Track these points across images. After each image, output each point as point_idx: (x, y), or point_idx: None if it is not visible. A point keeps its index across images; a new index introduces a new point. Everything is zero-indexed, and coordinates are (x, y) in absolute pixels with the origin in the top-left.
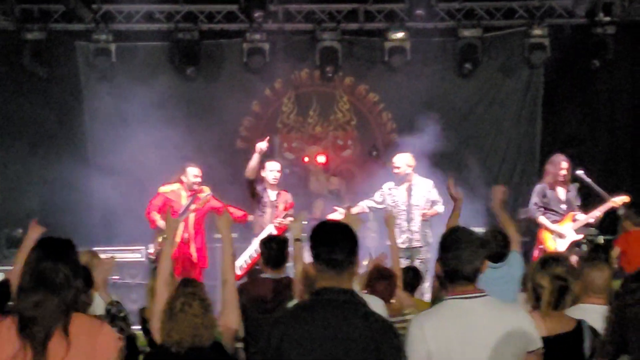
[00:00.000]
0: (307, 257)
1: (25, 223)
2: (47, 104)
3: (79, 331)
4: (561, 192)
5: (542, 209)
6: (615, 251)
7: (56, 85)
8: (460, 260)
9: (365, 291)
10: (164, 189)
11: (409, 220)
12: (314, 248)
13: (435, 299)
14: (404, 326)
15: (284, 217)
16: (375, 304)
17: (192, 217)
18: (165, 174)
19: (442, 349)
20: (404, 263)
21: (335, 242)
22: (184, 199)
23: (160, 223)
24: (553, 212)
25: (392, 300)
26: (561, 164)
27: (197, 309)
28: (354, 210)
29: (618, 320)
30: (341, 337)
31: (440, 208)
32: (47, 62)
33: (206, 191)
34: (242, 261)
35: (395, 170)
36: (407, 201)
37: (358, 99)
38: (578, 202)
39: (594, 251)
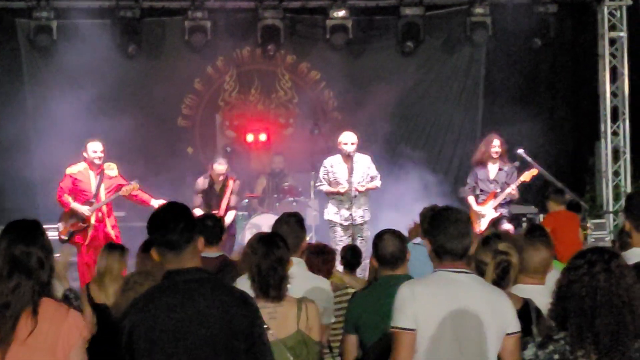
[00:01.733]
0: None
1: None
2: None
3: (44, 315)
4: (493, 170)
5: (474, 189)
6: None
7: None
8: (449, 237)
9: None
10: (70, 169)
11: (351, 197)
12: (150, 234)
13: (373, 279)
14: (346, 299)
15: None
16: (320, 284)
17: (102, 194)
18: (105, 151)
19: (429, 314)
20: (344, 241)
21: (167, 223)
22: (92, 177)
23: (74, 205)
24: (483, 192)
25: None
26: (493, 142)
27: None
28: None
29: (562, 296)
30: (191, 318)
31: (378, 182)
32: None
33: (113, 168)
34: None
35: (344, 147)
36: (349, 179)
37: (300, 77)
38: (512, 181)
39: (533, 230)
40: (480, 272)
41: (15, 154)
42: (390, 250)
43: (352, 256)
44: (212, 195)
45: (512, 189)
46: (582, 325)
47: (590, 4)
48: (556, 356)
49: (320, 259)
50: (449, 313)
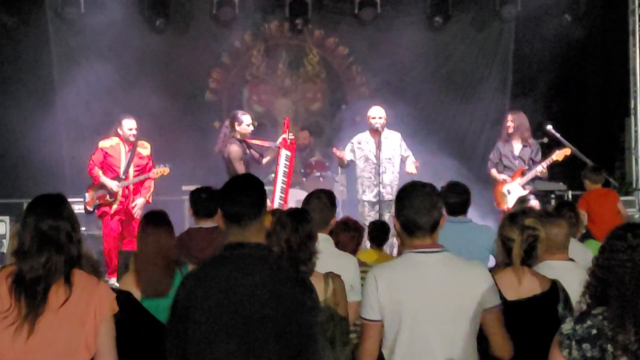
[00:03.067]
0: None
1: None
2: (15, 53)
3: (76, 286)
4: (517, 147)
5: (496, 165)
6: (581, 214)
7: (25, 35)
8: (416, 210)
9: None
10: (103, 143)
11: (380, 173)
12: (220, 203)
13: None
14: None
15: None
16: (347, 261)
17: (131, 172)
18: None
19: (392, 303)
20: (372, 217)
21: (237, 195)
22: (123, 153)
23: (103, 179)
24: (507, 168)
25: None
26: (507, 118)
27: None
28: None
29: (601, 277)
30: (242, 291)
31: (412, 159)
32: (16, 12)
33: (147, 147)
34: (282, 172)
35: (372, 122)
36: (377, 154)
37: (327, 52)
38: (537, 158)
39: (561, 206)
40: (507, 249)
41: (43, 127)
42: None
43: (379, 232)
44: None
45: (542, 167)
46: (624, 305)
47: None
48: (594, 331)
49: (348, 235)
50: (413, 299)
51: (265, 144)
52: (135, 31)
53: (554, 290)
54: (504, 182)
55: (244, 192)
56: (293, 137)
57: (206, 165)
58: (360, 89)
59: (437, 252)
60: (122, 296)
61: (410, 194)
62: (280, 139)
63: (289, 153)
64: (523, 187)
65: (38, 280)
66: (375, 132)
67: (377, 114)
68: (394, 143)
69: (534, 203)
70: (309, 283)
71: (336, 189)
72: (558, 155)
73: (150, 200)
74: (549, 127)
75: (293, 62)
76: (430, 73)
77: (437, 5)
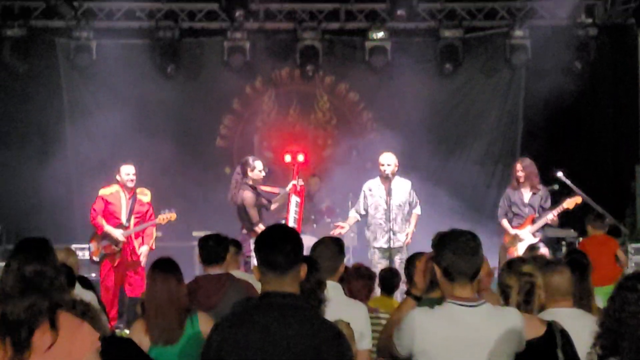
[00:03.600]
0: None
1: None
2: (27, 100)
3: (61, 328)
4: (526, 194)
5: (506, 213)
6: None
7: (36, 81)
8: (458, 255)
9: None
10: (103, 191)
11: (390, 219)
12: (257, 251)
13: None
14: (376, 322)
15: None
16: (357, 309)
17: (132, 219)
18: (143, 172)
19: (426, 352)
20: (383, 264)
21: (275, 244)
22: (124, 201)
23: (107, 228)
24: (517, 215)
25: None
26: (516, 166)
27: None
28: (350, 222)
29: (613, 328)
30: (280, 342)
31: (417, 210)
32: (28, 59)
33: (147, 194)
34: (292, 220)
35: (382, 168)
36: (388, 200)
37: (338, 99)
38: (547, 205)
39: (571, 254)
40: (505, 296)
41: (54, 173)
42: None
43: (390, 279)
44: (261, 206)
45: (553, 215)
46: (638, 358)
47: (630, 26)
48: None
49: (361, 282)
50: (449, 352)
51: (275, 190)
52: (146, 77)
53: (550, 334)
54: (515, 230)
55: (282, 241)
56: (302, 183)
57: (217, 211)
58: (371, 135)
59: (478, 305)
60: (125, 343)
61: (452, 240)
62: (290, 185)
63: (298, 199)
64: (533, 234)
65: (21, 324)
66: (386, 179)
67: (387, 161)
68: (404, 190)
69: (544, 251)
70: (344, 335)
71: (346, 236)
72: (569, 203)
73: (154, 247)
74: (560, 174)
75: (304, 108)
76: (441, 120)
77: (448, 52)
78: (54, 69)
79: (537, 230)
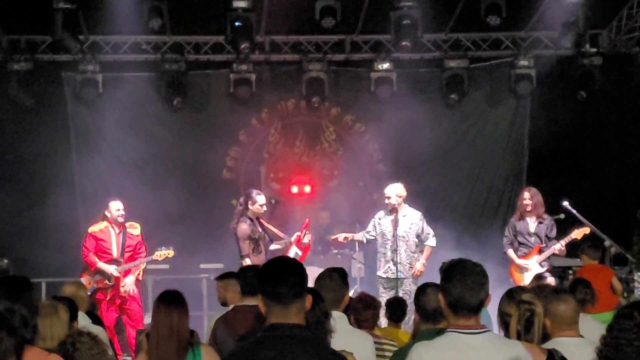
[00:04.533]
0: None
1: (8, 252)
2: (34, 133)
3: None
4: (531, 224)
5: (512, 243)
6: None
7: (43, 115)
8: (465, 289)
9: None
10: (92, 228)
11: (395, 250)
12: (260, 284)
13: (417, 333)
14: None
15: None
16: (363, 339)
17: (125, 255)
18: (151, 205)
19: None
20: (386, 294)
21: (279, 276)
22: (113, 236)
23: (100, 265)
24: (523, 245)
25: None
26: (523, 195)
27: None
28: (356, 236)
29: (610, 356)
30: None
31: (430, 242)
32: (34, 93)
33: (136, 227)
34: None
35: (387, 201)
36: (393, 231)
37: (344, 129)
38: (552, 234)
39: (576, 283)
40: (505, 324)
41: (61, 207)
42: (432, 305)
43: (397, 309)
44: (259, 236)
45: (561, 245)
46: None
47: (635, 55)
48: None
49: (369, 312)
50: None
51: (281, 234)
52: (152, 110)
53: None
54: (521, 260)
55: (286, 273)
56: (308, 240)
57: (224, 243)
58: (377, 166)
59: (481, 332)
60: None
61: (460, 273)
62: (295, 236)
63: (299, 252)
64: (540, 264)
65: None
66: (392, 211)
67: (392, 192)
68: (411, 222)
69: (550, 280)
70: None
71: (354, 266)
72: (577, 234)
73: (140, 278)
74: (566, 203)
75: (310, 139)
76: (447, 150)
77: (453, 83)
78: (61, 102)
79: (544, 260)
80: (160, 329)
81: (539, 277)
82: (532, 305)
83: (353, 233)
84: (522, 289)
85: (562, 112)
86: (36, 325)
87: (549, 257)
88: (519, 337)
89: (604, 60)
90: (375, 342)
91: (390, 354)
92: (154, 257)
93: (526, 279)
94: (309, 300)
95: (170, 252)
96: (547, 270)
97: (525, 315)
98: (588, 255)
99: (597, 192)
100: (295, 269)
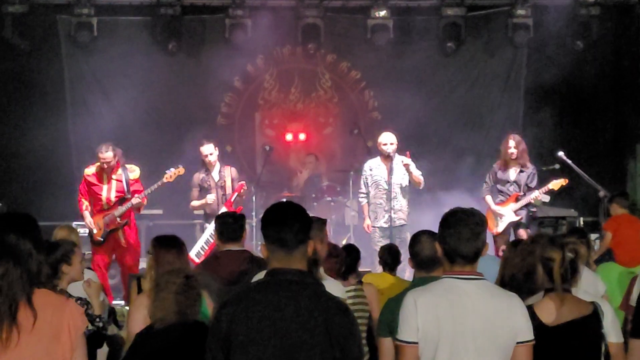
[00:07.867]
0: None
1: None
2: (29, 76)
3: (45, 304)
4: (512, 172)
5: (490, 189)
6: (607, 236)
7: (38, 58)
8: (460, 239)
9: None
10: (87, 171)
11: (392, 198)
12: (264, 229)
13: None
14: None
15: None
16: (335, 286)
17: (112, 198)
18: (145, 149)
19: (431, 326)
20: (383, 242)
21: (283, 221)
22: (105, 180)
23: (85, 214)
24: (501, 192)
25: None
26: (508, 142)
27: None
28: (365, 212)
29: None
30: (291, 318)
31: (421, 178)
32: (29, 35)
33: (134, 170)
34: (199, 248)
35: (383, 147)
36: (389, 179)
37: (340, 77)
38: (533, 184)
39: (572, 233)
40: (549, 269)
41: (56, 150)
42: (426, 252)
43: (390, 256)
44: (208, 186)
45: (537, 195)
46: None
47: (632, 6)
48: None
49: (332, 260)
50: (452, 324)
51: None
52: (147, 54)
53: (596, 314)
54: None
55: (291, 218)
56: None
57: None
58: (372, 114)
59: (477, 279)
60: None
61: (456, 223)
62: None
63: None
64: (515, 213)
65: None
66: (387, 158)
67: (388, 140)
68: (404, 170)
69: (523, 233)
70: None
71: (347, 214)
72: (555, 184)
73: (140, 211)
74: (561, 153)
75: (305, 86)
76: (443, 98)
77: (450, 31)
78: (56, 46)
79: (520, 209)
80: (160, 273)
81: (514, 226)
82: (575, 246)
83: (364, 217)
84: (562, 235)
85: (559, 62)
86: (42, 261)
87: (526, 206)
88: (563, 281)
89: (601, 10)
90: (347, 291)
91: (363, 299)
92: (165, 179)
93: (500, 227)
94: (311, 246)
95: (180, 170)
96: (521, 220)
97: (568, 257)
98: (619, 204)
99: (591, 142)
100: (300, 214)
